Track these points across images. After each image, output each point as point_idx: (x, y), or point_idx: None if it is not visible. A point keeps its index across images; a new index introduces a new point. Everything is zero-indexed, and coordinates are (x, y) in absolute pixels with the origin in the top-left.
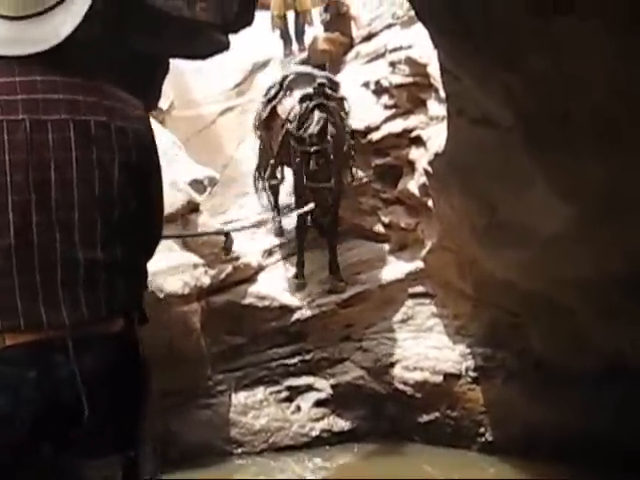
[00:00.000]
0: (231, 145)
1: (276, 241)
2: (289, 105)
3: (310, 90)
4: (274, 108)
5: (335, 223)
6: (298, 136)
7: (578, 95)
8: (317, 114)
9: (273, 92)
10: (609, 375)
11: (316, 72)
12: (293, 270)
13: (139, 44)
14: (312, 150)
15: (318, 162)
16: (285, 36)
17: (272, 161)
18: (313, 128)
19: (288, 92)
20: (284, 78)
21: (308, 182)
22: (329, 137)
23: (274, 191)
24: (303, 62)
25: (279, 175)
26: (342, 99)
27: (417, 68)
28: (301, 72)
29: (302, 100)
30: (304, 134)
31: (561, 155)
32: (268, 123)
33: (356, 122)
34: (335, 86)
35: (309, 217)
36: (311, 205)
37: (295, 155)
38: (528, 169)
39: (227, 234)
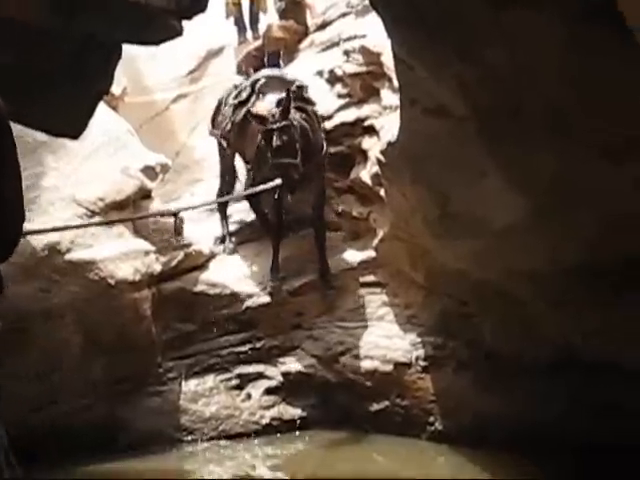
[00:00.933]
0: (184, 132)
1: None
2: (264, 108)
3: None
4: (249, 111)
5: (323, 227)
6: (256, 114)
7: (532, 87)
8: (280, 141)
9: (245, 96)
10: (560, 366)
11: (287, 75)
12: (246, 258)
13: (92, 29)
14: (275, 127)
15: (282, 138)
16: (239, 23)
17: (249, 166)
18: (274, 108)
19: (261, 96)
20: (255, 81)
21: (273, 159)
22: (293, 119)
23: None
24: (257, 50)
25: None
26: (315, 110)
27: (371, 57)
28: (271, 75)
29: (279, 104)
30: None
31: (514, 147)
32: (240, 129)
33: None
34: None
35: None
36: (278, 181)
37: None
38: (481, 160)
39: (176, 214)
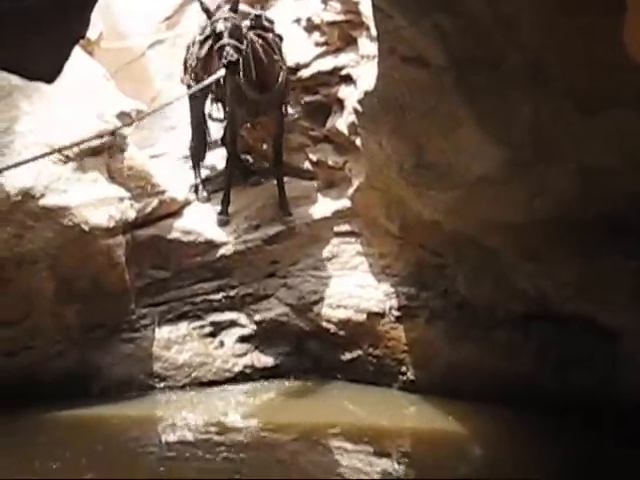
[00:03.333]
0: (160, 78)
1: (203, 175)
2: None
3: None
4: (211, 47)
5: (280, 155)
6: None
7: (511, 39)
8: (223, 26)
9: (208, 31)
10: (532, 318)
11: (252, 10)
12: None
13: None
14: (226, 42)
15: (226, 24)
16: None
17: (211, 96)
18: (226, 38)
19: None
20: (218, 19)
21: (227, 74)
22: (246, 35)
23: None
24: None
25: (218, 113)
26: (279, 36)
27: (349, 6)
28: (223, 13)
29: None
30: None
31: (492, 98)
32: (206, 63)
33: (286, 58)
34: (271, 23)
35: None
36: (221, 72)
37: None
38: (458, 111)
39: (114, 133)
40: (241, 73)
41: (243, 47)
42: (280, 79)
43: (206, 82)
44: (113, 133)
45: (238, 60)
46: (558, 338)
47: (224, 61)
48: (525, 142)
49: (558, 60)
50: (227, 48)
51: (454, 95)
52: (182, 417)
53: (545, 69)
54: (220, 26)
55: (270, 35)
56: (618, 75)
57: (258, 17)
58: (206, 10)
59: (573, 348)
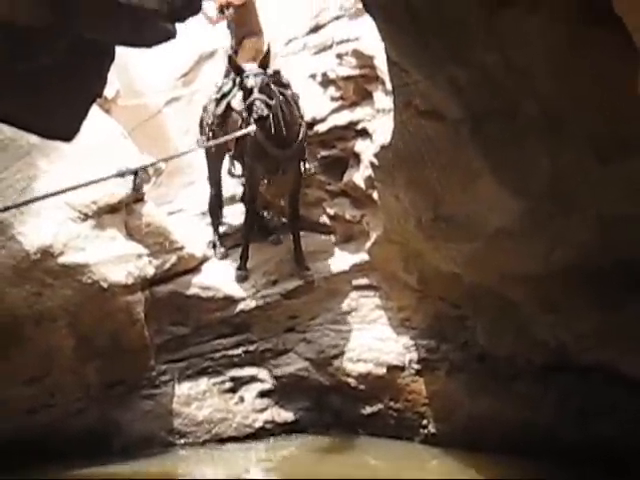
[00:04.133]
0: (177, 135)
1: (221, 231)
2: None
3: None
4: (229, 104)
5: (297, 211)
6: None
7: (526, 89)
8: (253, 81)
9: (226, 89)
10: (552, 369)
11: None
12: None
13: (86, 31)
14: (257, 97)
15: (256, 80)
16: (231, 26)
17: (230, 153)
18: (256, 93)
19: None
20: (235, 77)
21: (247, 100)
22: (273, 102)
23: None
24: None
25: (235, 170)
26: (295, 95)
27: (364, 60)
28: (253, 69)
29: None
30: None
31: (509, 149)
32: (223, 119)
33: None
34: (287, 82)
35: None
36: (252, 127)
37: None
38: (475, 163)
39: (136, 173)
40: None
41: (273, 103)
42: (300, 135)
43: (234, 135)
44: (136, 174)
45: (268, 115)
46: (579, 389)
47: (255, 116)
48: (543, 192)
49: (573, 108)
50: (257, 103)
51: (470, 147)
52: (202, 473)
53: (561, 117)
54: (251, 81)
55: (289, 91)
56: (635, 122)
57: (276, 73)
58: (236, 67)
59: (594, 399)
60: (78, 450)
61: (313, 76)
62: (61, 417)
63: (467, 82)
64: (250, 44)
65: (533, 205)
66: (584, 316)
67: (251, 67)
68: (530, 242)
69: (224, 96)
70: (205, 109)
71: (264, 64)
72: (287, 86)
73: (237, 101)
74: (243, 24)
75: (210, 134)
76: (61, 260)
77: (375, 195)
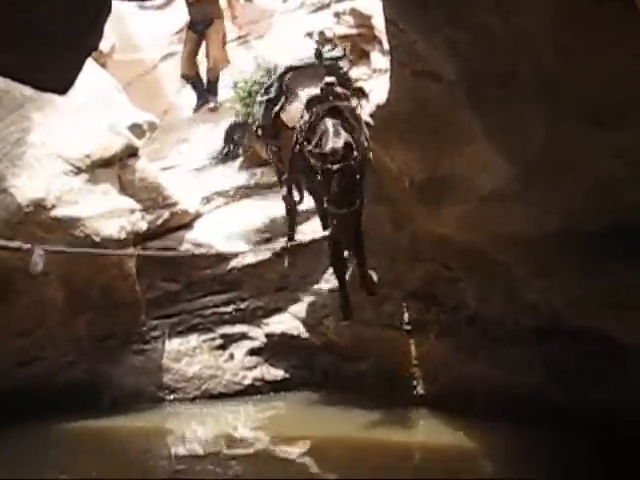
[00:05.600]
0: (172, 91)
1: (214, 188)
2: (295, 111)
3: (316, 91)
4: (277, 115)
5: (361, 236)
6: (316, 152)
7: (523, 54)
8: (330, 122)
9: (273, 93)
10: (542, 333)
11: (312, 63)
12: (231, 218)
13: None
14: (334, 168)
15: (340, 183)
16: None
17: (285, 176)
18: (333, 141)
19: (291, 95)
20: (282, 76)
21: (330, 206)
22: (354, 152)
23: (291, 216)
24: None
25: (297, 195)
26: (358, 90)
27: (362, 19)
28: (301, 65)
29: (309, 105)
30: (324, 149)
31: (505, 113)
32: (274, 132)
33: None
34: (345, 78)
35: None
36: (326, 232)
37: (312, 173)
38: (471, 125)
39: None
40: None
41: (357, 208)
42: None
43: (318, 237)
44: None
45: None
46: (569, 353)
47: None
48: (538, 156)
49: (571, 73)
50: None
51: (466, 109)
52: (191, 430)
53: (558, 82)
54: (334, 186)
55: (345, 103)
56: (632, 88)
57: (329, 85)
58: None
59: (584, 363)
60: (68, 403)
61: (310, 34)
62: (52, 370)
63: (465, 44)
64: None
65: (527, 168)
66: (576, 281)
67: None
68: (523, 205)
69: (271, 102)
70: (246, 104)
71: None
72: (344, 96)
73: (287, 115)
74: None
75: (261, 140)
76: (54, 213)
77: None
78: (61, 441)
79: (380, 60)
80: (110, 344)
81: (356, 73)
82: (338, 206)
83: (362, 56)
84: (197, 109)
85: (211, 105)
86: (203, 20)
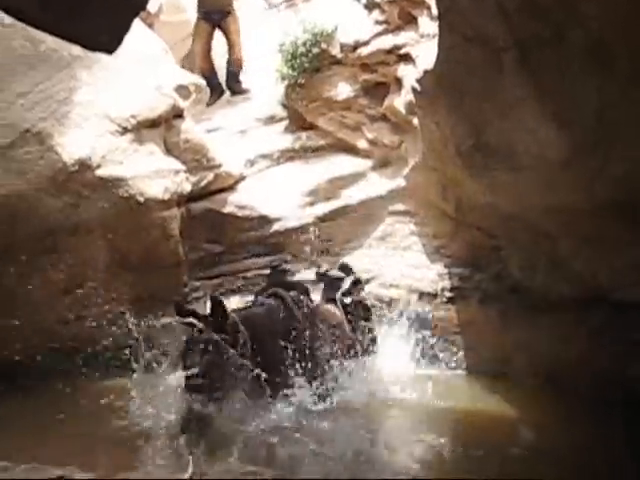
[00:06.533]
0: (217, 53)
1: (258, 151)
2: None
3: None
4: None
5: None
6: None
7: (574, 17)
8: None
9: None
10: (586, 304)
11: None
12: (275, 181)
13: None
14: None
15: None
16: None
17: None
18: None
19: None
20: None
21: None
22: None
23: None
24: None
25: None
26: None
27: None
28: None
29: None
30: None
31: (554, 78)
32: None
33: (345, 36)
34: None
35: None
36: None
37: None
38: (519, 91)
39: None
40: None
41: None
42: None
43: None
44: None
45: None
46: (612, 324)
47: None
48: (587, 123)
49: (622, 38)
50: None
51: (514, 74)
52: None
53: (608, 47)
54: None
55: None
56: None
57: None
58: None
59: (627, 335)
60: (106, 363)
61: None
62: (92, 329)
63: (514, 9)
64: None
65: (576, 136)
66: (620, 252)
67: None
68: (570, 174)
69: None
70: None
71: None
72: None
73: None
74: None
75: None
76: (99, 173)
77: (415, 121)
78: (96, 397)
79: (428, 25)
80: (152, 304)
81: (403, 38)
82: None
83: (410, 21)
84: (211, 103)
85: (243, 88)
86: (220, 10)
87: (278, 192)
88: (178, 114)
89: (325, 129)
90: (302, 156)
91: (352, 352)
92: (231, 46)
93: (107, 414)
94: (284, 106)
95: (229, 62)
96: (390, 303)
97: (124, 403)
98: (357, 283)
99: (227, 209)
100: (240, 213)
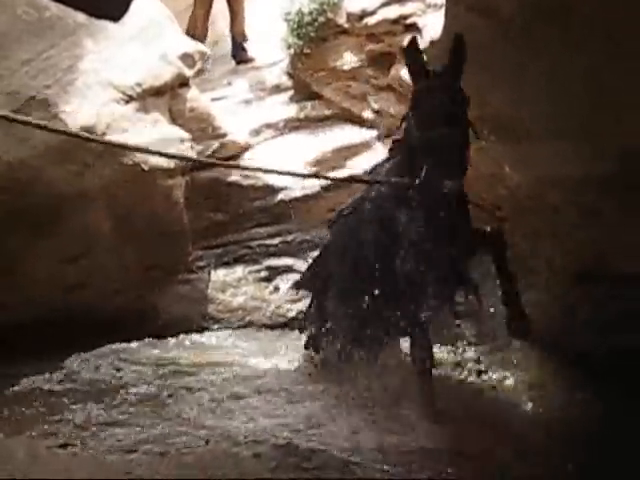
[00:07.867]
0: (223, 22)
1: (263, 120)
2: None
3: None
4: None
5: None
6: None
7: None
8: None
9: None
10: (589, 277)
11: None
12: (281, 150)
13: None
14: None
15: None
16: None
17: None
18: None
19: None
20: None
21: None
22: None
23: None
24: None
25: None
26: None
27: None
28: None
29: None
30: None
31: (559, 49)
32: None
33: (352, 5)
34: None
35: None
36: None
37: None
38: (524, 62)
39: None
40: None
41: None
42: None
43: None
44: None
45: None
46: (616, 298)
47: None
48: (591, 95)
49: (630, 10)
50: None
51: (520, 46)
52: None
53: (616, 21)
54: None
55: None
56: None
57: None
58: None
59: (630, 310)
60: (112, 331)
61: None
62: (98, 297)
63: None
64: None
65: (580, 107)
66: (624, 225)
67: None
68: (576, 146)
69: None
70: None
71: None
72: None
73: None
74: None
75: None
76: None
77: None
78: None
79: None
80: (156, 273)
81: (410, 8)
82: None
83: None
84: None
85: (249, 57)
86: None
87: (283, 161)
88: (183, 82)
89: (331, 99)
90: (307, 126)
91: None
92: (234, 17)
93: None
94: (289, 75)
95: (232, 32)
96: None
97: None
98: None
99: (232, 178)
100: (245, 182)
